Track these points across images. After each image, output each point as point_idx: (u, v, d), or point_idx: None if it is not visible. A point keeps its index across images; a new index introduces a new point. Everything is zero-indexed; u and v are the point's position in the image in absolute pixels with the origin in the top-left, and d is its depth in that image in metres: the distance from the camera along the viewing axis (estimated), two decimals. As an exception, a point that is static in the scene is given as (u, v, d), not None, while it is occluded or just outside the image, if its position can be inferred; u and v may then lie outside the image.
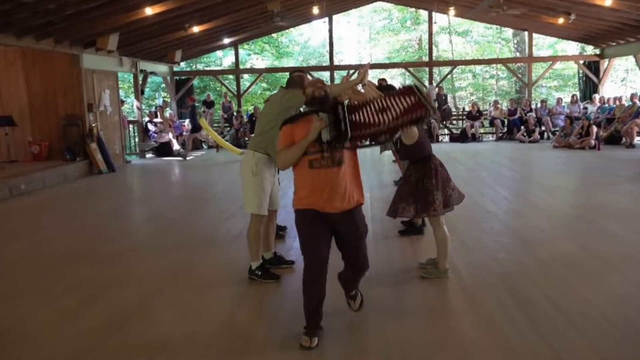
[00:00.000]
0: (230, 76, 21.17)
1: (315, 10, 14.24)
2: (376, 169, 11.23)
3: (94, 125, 12.84)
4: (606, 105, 16.25)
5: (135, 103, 16.21)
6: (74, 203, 9.34)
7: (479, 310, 3.99)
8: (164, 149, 15.66)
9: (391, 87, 8.94)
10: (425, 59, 20.95)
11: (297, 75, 4.71)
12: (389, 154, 9.94)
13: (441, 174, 4.64)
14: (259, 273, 4.72)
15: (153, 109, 17.60)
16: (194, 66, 24.85)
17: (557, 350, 3.32)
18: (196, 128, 16.18)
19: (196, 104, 16.67)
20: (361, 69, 4.08)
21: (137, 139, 16.28)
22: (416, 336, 3.60)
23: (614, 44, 16.69)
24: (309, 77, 4.76)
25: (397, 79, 30.35)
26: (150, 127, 16.10)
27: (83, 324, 3.99)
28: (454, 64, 22.11)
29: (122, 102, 15.14)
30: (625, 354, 3.27)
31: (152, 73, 17.17)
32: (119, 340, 3.70)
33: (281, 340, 3.54)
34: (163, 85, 21.19)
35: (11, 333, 3.89)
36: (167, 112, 17.49)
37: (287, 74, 5.65)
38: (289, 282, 4.68)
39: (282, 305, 4.23)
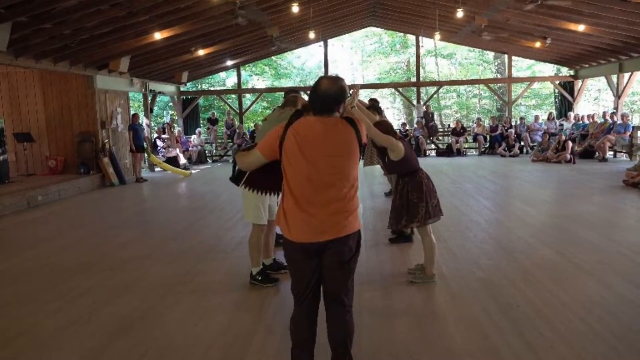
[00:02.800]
0: (233, 95, 21.21)
1: (312, 35, 14.32)
2: (368, 181, 11.24)
3: (106, 141, 12.84)
4: (580, 122, 16.34)
5: (145, 121, 16.21)
6: (88, 213, 9.30)
7: (463, 313, 3.98)
8: (171, 163, 15.63)
9: (378, 107, 8.96)
10: (414, 79, 21.04)
11: (292, 96, 4.72)
12: (379, 167, 9.93)
13: (427, 185, 4.65)
14: (260, 278, 4.72)
15: (161, 126, 17.60)
16: (199, 86, 24.91)
17: (537, 350, 3.31)
18: (137, 148, 13.52)
19: (139, 124, 13.99)
20: (351, 89, 4.09)
21: (146, 154, 16.25)
22: (404, 337, 3.58)
23: (587, 65, 16.83)
24: (304, 97, 4.77)
25: (387, 98, 30.51)
26: (159, 142, 16.12)
27: (94, 327, 3.96)
28: (439, 84, 22.20)
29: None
30: (600, 354, 3.25)
31: (161, 93, 17.20)
32: (127, 343, 3.67)
33: (278, 344, 3.51)
34: (171, 104, 21.20)
35: (26, 336, 3.86)
36: (176, 130, 17.48)
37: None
38: (287, 287, 4.65)
39: (280, 310, 4.20)
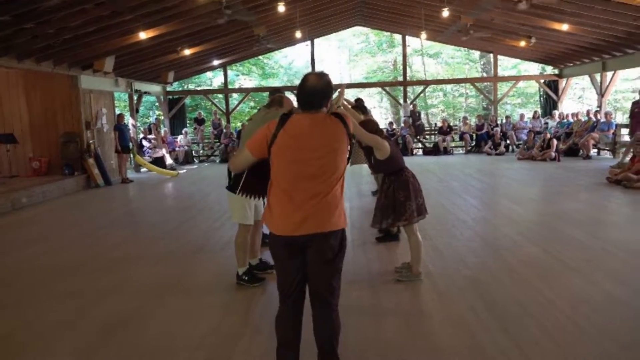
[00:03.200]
0: (220, 95, 21.10)
1: (298, 34, 14.28)
2: (355, 180, 11.24)
3: (91, 141, 12.70)
4: (565, 120, 16.48)
5: (131, 121, 16.07)
6: (73, 215, 9.19)
7: (450, 311, 3.99)
8: (157, 164, 15.51)
9: (363, 107, 8.97)
10: (400, 78, 21.11)
11: (278, 96, 4.70)
12: (366, 166, 9.93)
13: (413, 184, 4.65)
14: (246, 278, 4.71)
15: (147, 127, 17.47)
16: (185, 86, 24.75)
17: (523, 347, 3.33)
18: (123, 148, 13.39)
19: (125, 124, 13.82)
20: (337, 89, 4.08)
21: (132, 155, 16.12)
22: (392, 336, 3.58)
23: (571, 64, 16.99)
24: (290, 97, 4.74)
25: (374, 97, 30.56)
26: (145, 143, 15.97)
27: (83, 328, 3.93)
28: (426, 83, 22.34)
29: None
30: (585, 351, 3.28)
31: (147, 93, 17.06)
32: (115, 343, 3.65)
33: (265, 344, 3.48)
34: (157, 104, 21.05)
35: (16, 337, 3.83)
36: (162, 130, 17.37)
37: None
38: (274, 286, 4.63)
39: (267, 310, 4.17)
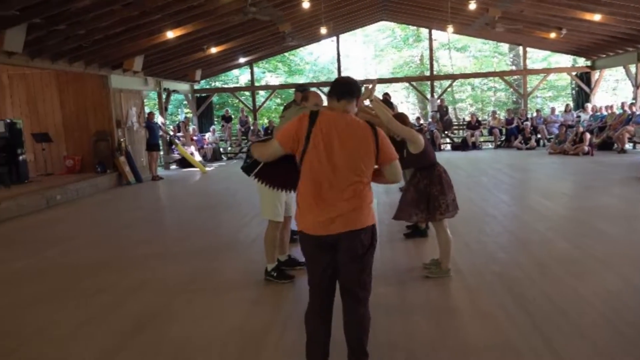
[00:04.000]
0: (247, 93, 21.28)
1: (323, 30, 14.26)
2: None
3: (122, 140, 12.97)
4: (598, 113, 16.09)
5: (160, 119, 16.33)
6: (105, 212, 9.41)
7: (480, 307, 3.95)
8: (186, 161, 15.74)
9: (389, 102, 8.92)
10: (427, 73, 20.91)
11: (305, 91, 4.70)
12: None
13: (445, 180, 4.61)
14: (275, 274, 4.73)
15: (176, 125, 17.74)
16: (212, 84, 24.99)
17: (554, 344, 3.27)
18: (154, 146, 13.73)
19: (155, 122, 13.95)
20: (367, 85, 4.06)
21: (162, 152, 16.40)
22: (420, 333, 3.57)
23: (604, 55, 16.55)
24: (316, 92, 4.73)
25: (400, 92, 30.32)
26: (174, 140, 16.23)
27: (110, 325, 4.01)
28: (453, 77, 22.03)
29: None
30: (617, 347, 3.21)
31: (175, 91, 17.30)
32: (142, 341, 3.71)
33: (294, 340, 3.50)
34: (185, 102, 21.33)
35: (44, 334, 3.91)
36: (191, 128, 17.60)
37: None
38: (303, 282, 4.66)
39: (296, 306, 4.19)
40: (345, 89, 2.82)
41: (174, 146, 15.82)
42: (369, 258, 2.80)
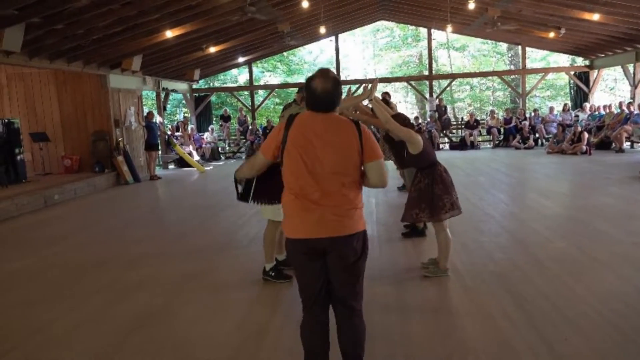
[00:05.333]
0: (245, 92, 21.26)
1: (322, 30, 14.27)
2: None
3: (120, 139, 12.95)
4: (596, 113, 16.09)
5: (159, 119, 16.32)
6: (103, 212, 9.40)
7: (478, 307, 3.95)
8: (185, 161, 15.73)
9: (388, 101, 8.89)
10: (426, 72, 20.92)
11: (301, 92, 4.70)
12: (391, 162, 9.90)
13: (446, 179, 4.60)
14: (273, 274, 4.73)
15: (175, 124, 17.73)
16: (211, 83, 24.96)
17: (552, 344, 3.27)
18: (152, 146, 13.79)
19: (155, 122, 13.95)
20: (367, 84, 4.04)
21: (160, 152, 16.38)
22: (418, 332, 3.56)
23: (603, 55, 16.56)
24: None
25: (399, 92, 30.33)
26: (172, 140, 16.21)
27: (108, 325, 4.00)
28: (452, 77, 22.07)
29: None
30: (615, 347, 3.21)
31: (173, 91, 17.30)
32: (141, 340, 3.70)
33: (292, 340, 3.46)
34: (183, 101, 21.31)
35: (41, 334, 3.90)
36: (189, 127, 17.59)
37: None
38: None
39: (294, 305, 4.16)
40: (323, 104, 2.62)
41: (171, 145, 15.81)
42: (361, 266, 2.68)
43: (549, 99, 27.11)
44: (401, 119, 4.62)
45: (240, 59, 17.96)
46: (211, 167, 15.71)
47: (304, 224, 2.59)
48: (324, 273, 2.67)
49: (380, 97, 8.85)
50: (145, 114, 14.25)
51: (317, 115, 2.63)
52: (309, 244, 2.60)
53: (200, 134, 18.28)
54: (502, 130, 17.47)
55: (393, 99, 9.56)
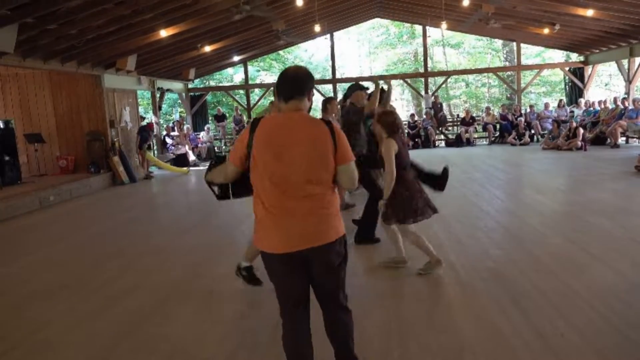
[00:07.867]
0: (241, 91, 21.24)
1: (317, 28, 14.22)
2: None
3: (115, 140, 12.91)
4: (591, 108, 16.12)
5: (154, 118, 16.27)
6: (99, 212, 9.36)
7: (473, 302, 3.95)
8: (180, 160, 15.69)
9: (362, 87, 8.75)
10: (421, 70, 20.89)
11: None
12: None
13: (414, 185, 4.56)
14: (245, 273, 4.47)
15: (171, 124, 17.69)
16: (207, 83, 24.93)
17: (548, 339, 3.28)
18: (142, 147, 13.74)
19: (152, 131, 14.06)
20: (378, 80, 4.07)
21: (156, 152, 16.33)
22: (413, 328, 3.56)
23: (597, 51, 16.59)
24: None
25: (395, 89, 30.32)
26: (168, 140, 16.19)
27: (104, 325, 3.99)
28: (448, 74, 22.06)
29: (142, 118, 15.17)
30: (610, 341, 3.21)
31: (169, 90, 17.25)
32: (137, 341, 3.69)
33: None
34: (179, 101, 21.27)
35: (38, 335, 3.89)
36: (185, 127, 17.54)
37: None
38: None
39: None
40: (294, 87, 2.46)
41: (167, 146, 15.63)
42: (344, 266, 2.57)
43: (544, 95, 27.15)
44: (390, 116, 4.60)
45: (236, 58, 17.93)
46: (207, 167, 15.63)
47: (281, 238, 2.43)
48: (306, 279, 2.55)
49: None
50: (145, 122, 14.16)
51: (285, 115, 2.49)
52: (289, 256, 2.45)
53: (196, 133, 18.24)
54: (497, 126, 17.48)
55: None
